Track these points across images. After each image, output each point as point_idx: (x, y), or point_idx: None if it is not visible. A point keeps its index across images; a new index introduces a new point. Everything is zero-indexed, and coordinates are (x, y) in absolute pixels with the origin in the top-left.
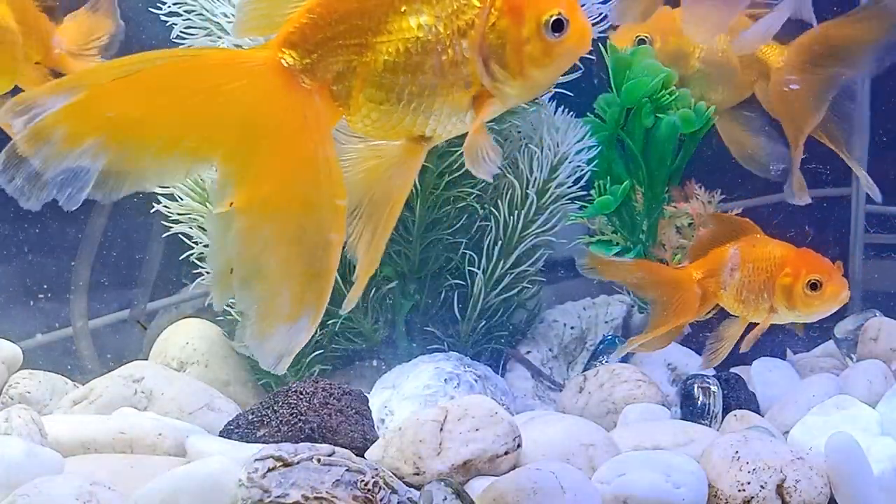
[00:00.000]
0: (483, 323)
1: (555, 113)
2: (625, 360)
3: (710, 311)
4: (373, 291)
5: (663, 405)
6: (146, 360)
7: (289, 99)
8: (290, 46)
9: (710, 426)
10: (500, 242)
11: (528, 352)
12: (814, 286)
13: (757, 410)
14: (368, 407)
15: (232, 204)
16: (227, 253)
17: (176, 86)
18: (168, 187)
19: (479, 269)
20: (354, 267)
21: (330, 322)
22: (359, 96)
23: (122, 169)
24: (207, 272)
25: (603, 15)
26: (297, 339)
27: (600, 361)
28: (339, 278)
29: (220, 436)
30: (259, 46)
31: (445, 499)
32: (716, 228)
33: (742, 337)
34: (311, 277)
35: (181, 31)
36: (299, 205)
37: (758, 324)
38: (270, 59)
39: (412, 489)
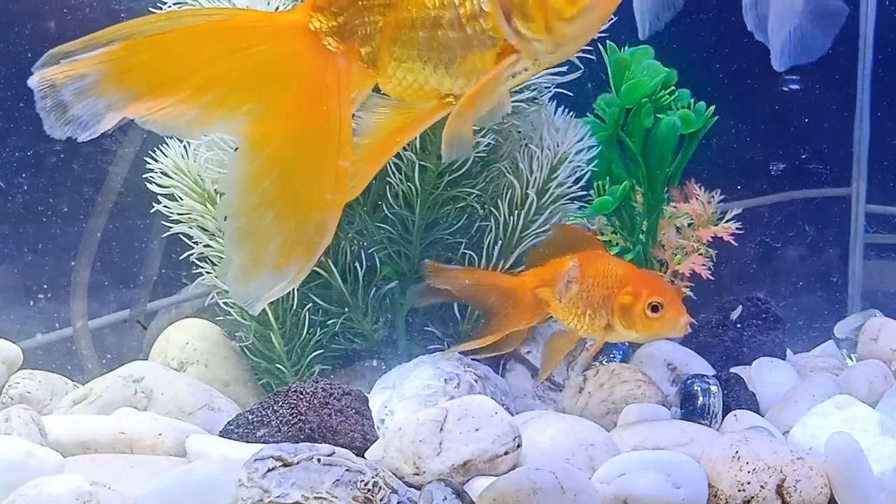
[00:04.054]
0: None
1: (555, 113)
2: (624, 359)
3: (545, 320)
4: (373, 291)
5: (663, 405)
6: (146, 360)
7: (312, 61)
8: (317, 10)
9: (710, 426)
10: (500, 242)
11: (529, 352)
12: (654, 308)
13: (757, 410)
14: (368, 407)
15: (237, 150)
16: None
17: (206, 45)
18: (168, 187)
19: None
20: (353, 266)
21: (330, 322)
22: (385, 56)
23: (148, 119)
24: (207, 272)
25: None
26: (277, 286)
27: (600, 361)
28: (338, 277)
29: (220, 436)
30: (290, 9)
31: (445, 499)
32: (558, 238)
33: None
34: (303, 233)
35: None
36: (304, 162)
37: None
38: (299, 23)
39: (412, 489)
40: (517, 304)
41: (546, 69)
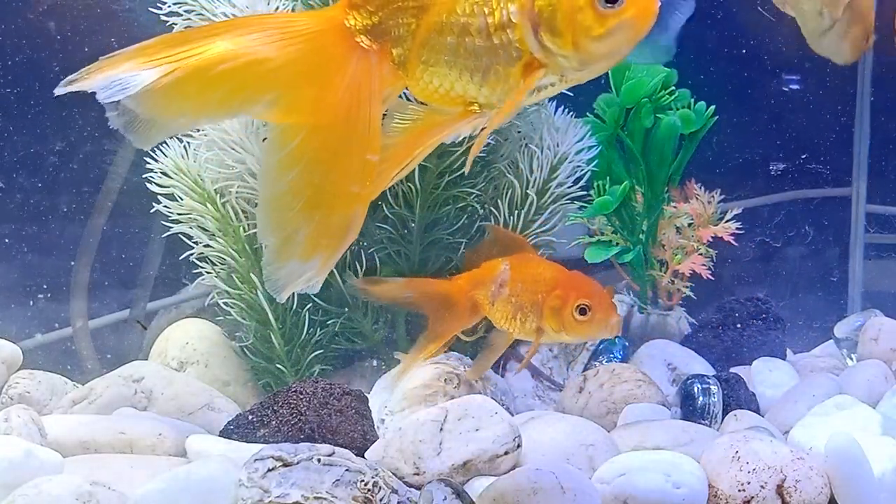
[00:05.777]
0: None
1: (555, 113)
2: (624, 359)
3: (479, 323)
4: None
5: (663, 405)
6: (146, 360)
7: (344, 56)
8: (353, 7)
9: (710, 426)
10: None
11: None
12: (583, 311)
13: (757, 410)
14: (368, 407)
15: (265, 140)
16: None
17: (240, 37)
18: (168, 187)
19: None
20: (353, 266)
21: (330, 322)
22: (415, 59)
23: (178, 110)
24: (207, 272)
25: None
26: (305, 276)
27: (600, 361)
28: (338, 277)
29: (220, 436)
30: (329, 7)
31: (445, 499)
32: (492, 240)
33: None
34: (329, 225)
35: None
36: (332, 154)
37: None
38: (335, 19)
39: (412, 489)
40: (454, 307)
41: (573, 86)
